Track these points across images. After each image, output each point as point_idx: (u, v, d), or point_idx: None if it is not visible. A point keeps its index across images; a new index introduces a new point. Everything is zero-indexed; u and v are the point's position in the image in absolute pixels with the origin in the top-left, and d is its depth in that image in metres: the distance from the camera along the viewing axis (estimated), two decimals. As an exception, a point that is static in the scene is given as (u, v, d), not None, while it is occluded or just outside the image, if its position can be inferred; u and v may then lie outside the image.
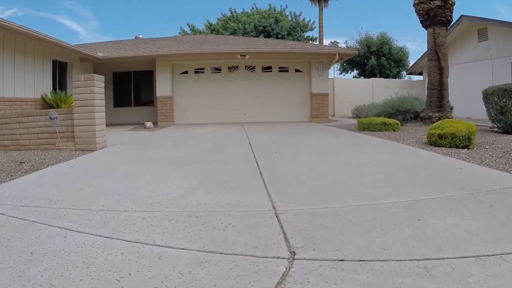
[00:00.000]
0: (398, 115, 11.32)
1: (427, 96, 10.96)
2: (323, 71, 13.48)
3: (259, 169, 4.55)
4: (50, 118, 6.38)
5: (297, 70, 13.67)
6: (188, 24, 29.56)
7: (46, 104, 9.78)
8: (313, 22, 28.59)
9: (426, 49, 11.30)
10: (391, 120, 9.48)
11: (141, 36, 17.54)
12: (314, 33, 28.71)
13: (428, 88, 10.85)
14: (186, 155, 6.00)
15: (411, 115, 11.60)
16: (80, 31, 66.96)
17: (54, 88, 10.57)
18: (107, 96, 15.29)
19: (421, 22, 10.88)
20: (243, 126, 11.41)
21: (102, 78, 6.73)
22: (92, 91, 6.30)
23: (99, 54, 12.14)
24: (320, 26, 25.91)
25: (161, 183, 3.78)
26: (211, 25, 28.61)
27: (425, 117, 10.53)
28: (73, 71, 11.69)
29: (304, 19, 29.00)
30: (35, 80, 9.78)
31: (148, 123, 11.68)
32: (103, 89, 6.76)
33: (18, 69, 9.33)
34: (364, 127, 9.44)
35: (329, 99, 14.36)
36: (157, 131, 10.68)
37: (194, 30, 28.85)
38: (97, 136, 6.39)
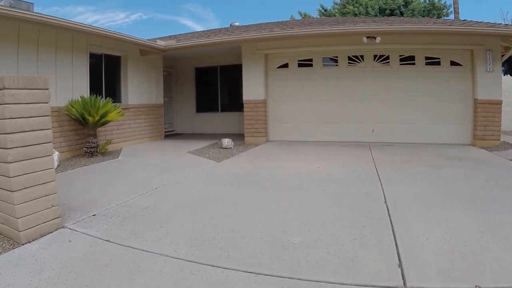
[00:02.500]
0: None
1: None
2: (493, 64, 7.94)
3: None
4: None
5: (453, 63, 8.40)
6: (299, 13, 25.62)
7: (72, 116, 6.94)
8: (449, 5, 21.99)
9: None
10: None
11: (237, 23, 14.28)
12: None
13: None
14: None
15: None
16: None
17: (93, 90, 7.72)
18: (189, 98, 12.06)
19: None
20: (371, 154, 6.87)
21: (37, 81, 3.05)
22: None
23: (159, 43, 9.06)
24: (456, 12, 19.82)
25: None
26: (325, 10, 24.12)
27: None
28: (129, 66, 8.85)
29: (439, 0, 22.39)
30: (57, 81, 6.98)
31: (226, 140, 8.07)
32: (47, 105, 3.12)
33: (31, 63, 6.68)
34: None
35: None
36: (233, 158, 6.95)
37: (306, 18, 24.81)
38: (17, 210, 2.80)
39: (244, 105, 9.11)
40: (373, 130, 8.65)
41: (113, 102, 8.04)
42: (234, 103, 11.72)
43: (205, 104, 11.95)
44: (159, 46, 8.90)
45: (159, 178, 5.06)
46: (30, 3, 7.32)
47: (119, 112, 7.47)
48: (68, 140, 7.26)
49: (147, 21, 66.57)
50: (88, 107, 6.79)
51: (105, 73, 8.40)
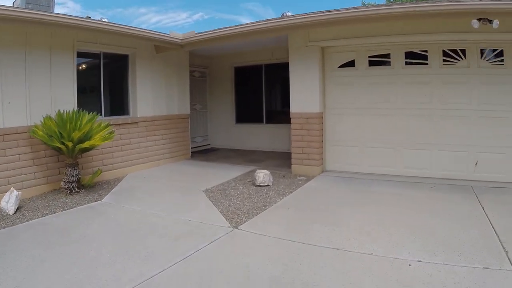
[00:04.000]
0: None
1: None
2: None
3: None
4: None
5: None
6: (363, 4, 22.01)
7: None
8: None
9: None
10: None
11: (289, 13, 11.58)
12: None
13: None
14: None
15: None
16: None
17: (88, 101, 5.67)
18: (227, 105, 9.67)
19: None
20: (485, 213, 3.84)
21: None
22: None
23: (174, 36, 6.72)
24: None
25: None
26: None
27: None
28: (138, 67, 6.69)
29: None
30: (30, 89, 5.01)
31: (261, 175, 5.46)
32: None
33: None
34: None
35: None
36: (262, 216, 4.34)
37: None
38: None
39: (292, 120, 6.47)
40: (476, 163, 5.47)
41: (115, 115, 6.05)
42: (283, 112, 9.11)
43: (246, 112, 9.52)
44: (175, 40, 6.63)
45: (111, 273, 2.70)
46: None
47: (110, 133, 5.32)
48: (46, 169, 5.32)
49: (208, 21, 66.50)
50: (61, 127, 4.72)
51: (105, 77, 6.34)
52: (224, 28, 6.34)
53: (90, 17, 5.71)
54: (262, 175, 5.46)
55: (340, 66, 6.33)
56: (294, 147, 6.44)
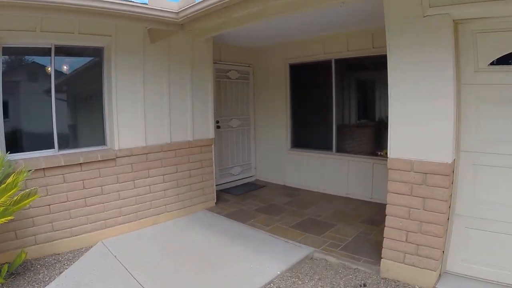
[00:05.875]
0: None
1: None
2: None
3: None
4: None
5: None
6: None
7: None
8: None
9: None
10: None
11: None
12: None
13: None
14: None
15: None
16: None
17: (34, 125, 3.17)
18: (278, 119, 6.46)
19: None
20: None
21: None
22: None
23: (160, 5, 3.61)
24: None
25: None
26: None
27: None
28: (117, 65, 3.97)
29: None
30: None
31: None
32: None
33: None
34: None
35: None
36: None
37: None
38: None
39: (390, 174, 3.07)
40: None
41: (78, 147, 3.57)
42: (363, 136, 5.85)
43: (307, 133, 6.37)
44: (167, 17, 3.67)
45: None
46: None
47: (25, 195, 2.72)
48: None
49: None
50: None
51: (60, 85, 3.77)
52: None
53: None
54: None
55: (495, 61, 2.84)
56: (390, 228, 3.13)
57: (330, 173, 5.84)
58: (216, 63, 5.84)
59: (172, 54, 4.58)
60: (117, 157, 4.11)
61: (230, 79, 6.23)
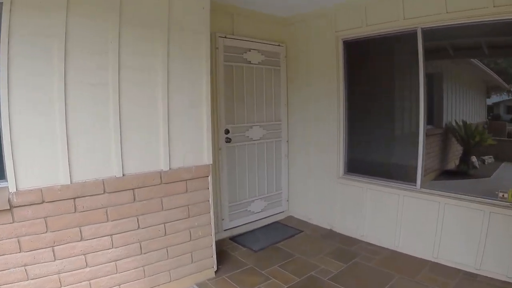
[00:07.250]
0: None
1: None
2: None
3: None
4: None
5: None
6: None
7: None
8: None
9: None
10: None
11: None
12: None
13: None
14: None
15: None
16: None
17: None
18: (327, 129, 4.14)
19: None
20: None
21: None
22: None
23: None
24: None
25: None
26: None
27: None
28: (16, 20, 1.92)
29: None
30: None
31: None
32: None
33: None
34: None
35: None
36: None
37: None
38: None
39: None
40: None
41: None
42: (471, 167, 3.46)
43: (371, 151, 4.02)
44: None
45: None
46: None
47: None
48: None
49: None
50: None
51: None
52: None
53: None
54: None
55: None
56: None
57: (411, 219, 3.46)
58: (225, 37, 3.70)
59: (125, 11, 2.48)
60: (13, 207, 2.09)
61: (250, 63, 4.03)
